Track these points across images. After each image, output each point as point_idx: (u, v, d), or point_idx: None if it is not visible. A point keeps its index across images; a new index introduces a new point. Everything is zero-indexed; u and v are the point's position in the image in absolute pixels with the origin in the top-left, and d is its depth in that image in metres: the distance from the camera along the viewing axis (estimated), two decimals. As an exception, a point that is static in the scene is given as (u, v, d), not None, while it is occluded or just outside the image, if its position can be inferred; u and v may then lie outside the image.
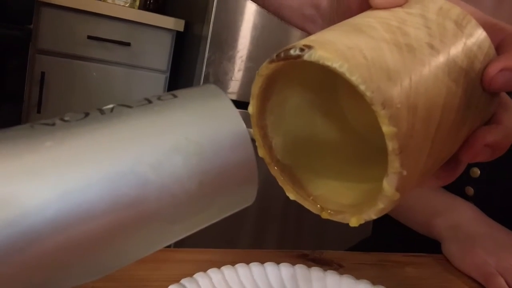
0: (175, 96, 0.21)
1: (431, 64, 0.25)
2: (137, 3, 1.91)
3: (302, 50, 0.24)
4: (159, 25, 1.81)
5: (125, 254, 0.19)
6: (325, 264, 0.51)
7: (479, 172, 0.67)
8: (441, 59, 0.26)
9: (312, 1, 0.41)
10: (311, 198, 0.30)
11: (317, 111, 0.33)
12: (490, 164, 0.65)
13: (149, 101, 0.20)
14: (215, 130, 0.20)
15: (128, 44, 1.79)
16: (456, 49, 0.27)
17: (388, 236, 0.77)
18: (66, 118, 0.19)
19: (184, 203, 0.19)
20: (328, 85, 0.33)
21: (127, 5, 1.87)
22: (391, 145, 0.23)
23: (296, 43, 0.25)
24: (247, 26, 1.69)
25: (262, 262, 0.43)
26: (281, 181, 0.30)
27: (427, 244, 0.66)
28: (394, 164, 0.24)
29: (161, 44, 1.85)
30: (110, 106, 0.20)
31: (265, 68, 0.27)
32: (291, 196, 0.30)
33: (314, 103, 0.33)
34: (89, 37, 1.74)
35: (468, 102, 0.27)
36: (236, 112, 0.21)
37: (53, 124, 0.19)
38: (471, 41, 0.28)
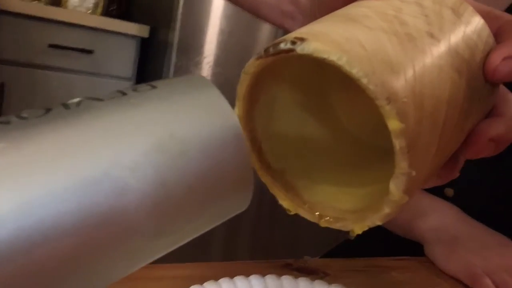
0: (154, 87, 0.18)
1: (434, 54, 0.23)
2: (99, 9, 1.85)
3: (293, 43, 0.22)
4: (123, 32, 1.76)
5: (100, 277, 0.16)
6: (311, 273, 0.48)
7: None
8: (442, 48, 0.24)
9: None
10: (307, 205, 0.27)
11: (307, 112, 0.30)
12: (470, 164, 0.64)
13: (123, 93, 0.17)
14: (203, 125, 0.17)
15: (91, 52, 1.74)
16: (456, 38, 0.25)
17: (368, 239, 0.75)
18: (23, 115, 0.16)
19: (170, 213, 0.16)
20: (317, 83, 0.31)
21: (89, 11, 1.82)
22: (398, 143, 0.21)
23: (286, 36, 0.23)
24: (214, 31, 1.66)
25: (245, 274, 0.40)
26: (273, 188, 0.27)
27: (408, 246, 0.64)
28: (401, 164, 0.21)
29: (125, 51, 1.80)
30: (76, 99, 0.17)
31: (252, 66, 0.24)
32: (285, 204, 0.27)
33: (303, 103, 0.30)
34: (50, 46, 1.68)
35: (472, 94, 0.25)
36: (226, 104, 0.18)
37: (8, 123, 0.16)
38: (470, 29, 0.26)
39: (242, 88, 0.25)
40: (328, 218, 0.26)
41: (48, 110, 0.16)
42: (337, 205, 0.27)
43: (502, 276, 0.54)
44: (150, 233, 0.16)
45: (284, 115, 0.29)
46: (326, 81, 0.31)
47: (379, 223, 0.24)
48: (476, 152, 0.26)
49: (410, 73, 0.21)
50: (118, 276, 0.16)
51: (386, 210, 0.23)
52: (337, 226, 0.26)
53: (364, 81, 0.20)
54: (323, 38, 0.21)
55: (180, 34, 1.63)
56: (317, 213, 0.27)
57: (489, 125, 0.26)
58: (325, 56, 0.21)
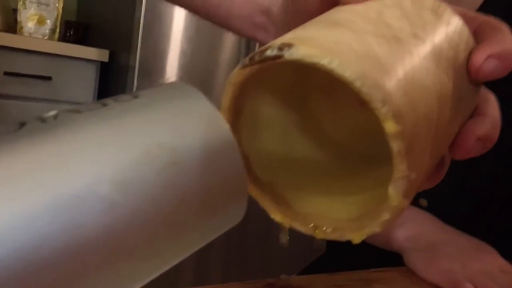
0: (136, 97, 0.16)
1: (420, 55, 0.23)
2: (56, 35, 1.82)
3: (280, 49, 0.21)
4: (82, 57, 1.72)
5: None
6: (294, 291, 0.47)
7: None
8: (428, 49, 0.24)
9: (262, 8, 0.38)
10: (300, 217, 0.26)
11: (291, 123, 0.30)
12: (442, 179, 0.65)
13: (104, 104, 0.16)
14: (193, 134, 0.16)
15: (49, 78, 1.69)
16: (440, 38, 0.25)
17: (344, 253, 0.75)
18: (-7, 132, 0.14)
19: (161, 230, 0.15)
20: (299, 94, 0.30)
21: (45, 37, 1.77)
22: (396, 145, 0.20)
23: (271, 43, 0.22)
24: (175, 53, 1.65)
25: (228, 295, 0.38)
26: (263, 202, 0.26)
27: (387, 257, 0.63)
28: (400, 167, 0.21)
29: (85, 76, 1.76)
30: (53, 112, 0.15)
31: (237, 75, 0.23)
32: (277, 218, 0.26)
33: (286, 114, 0.29)
34: (6, 73, 1.63)
35: (459, 94, 0.25)
36: (216, 112, 0.17)
37: (-24, 140, 0.14)
38: (451, 29, 0.26)
39: (226, 99, 0.24)
40: (324, 228, 0.25)
41: (22, 124, 0.15)
42: (331, 215, 0.26)
43: (482, 280, 0.54)
44: (141, 254, 0.14)
45: (268, 127, 0.28)
46: (307, 92, 0.30)
47: (378, 230, 0.23)
48: (465, 152, 0.26)
49: (400, 74, 0.21)
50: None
51: (386, 216, 0.22)
52: (333, 236, 0.25)
53: (358, 84, 0.20)
54: (311, 42, 0.21)
55: (141, 57, 1.61)
56: (311, 225, 0.26)
57: (476, 125, 0.26)
58: (315, 60, 0.20)
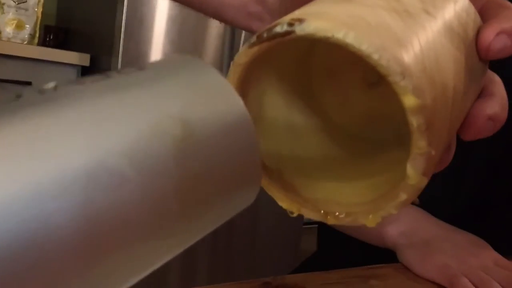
0: (141, 69, 0.15)
1: (434, 30, 0.22)
2: (36, 40, 1.78)
3: (290, 25, 0.20)
4: (62, 61, 1.69)
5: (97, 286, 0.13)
6: (291, 289, 0.45)
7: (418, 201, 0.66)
8: (440, 25, 0.23)
9: None
10: (310, 204, 0.25)
11: (295, 109, 0.29)
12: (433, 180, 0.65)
13: (107, 76, 0.15)
14: (205, 107, 0.15)
15: (29, 83, 1.66)
16: (449, 15, 0.24)
17: (336, 252, 0.74)
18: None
19: (175, 207, 0.14)
20: (303, 78, 0.29)
21: (25, 42, 1.74)
22: (416, 120, 0.19)
23: (279, 20, 0.21)
24: (157, 57, 1.63)
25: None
26: (271, 189, 0.25)
27: (379, 255, 0.63)
28: (420, 143, 0.20)
29: (66, 81, 1.73)
30: (52, 84, 0.14)
31: (244, 55, 0.22)
32: (285, 205, 0.25)
33: (291, 99, 0.28)
34: (-16, 79, 1.60)
35: (470, 71, 0.24)
36: (228, 85, 0.16)
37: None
38: (459, 6, 0.25)
39: (232, 82, 0.23)
40: (336, 214, 0.24)
41: (18, 96, 0.13)
42: (342, 200, 0.25)
43: (478, 274, 0.53)
44: (154, 231, 0.13)
45: (273, 113, 0.27)
46: (311, 77, 0.29)
47: (394, 211, 0.22)
48: (477, 131, 0.25)
49: (417, 48, 0.20)
50: (118, 284, 0.13)
51: (403, 196, 0.21)
52: (346, 221, 0.24)
53: (375, 57, 0.19)
54: (323, 16, 0.20)
55: (123, 60, 1.59)
56: (322, 211, 0.25)
57: (486, 104, 0.26)
58: (329, 34, 0.19)
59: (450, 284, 0.53)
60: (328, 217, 0.24)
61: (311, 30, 0.19)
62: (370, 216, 0.22)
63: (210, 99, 0.15)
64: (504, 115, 0.26)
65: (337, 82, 0.30)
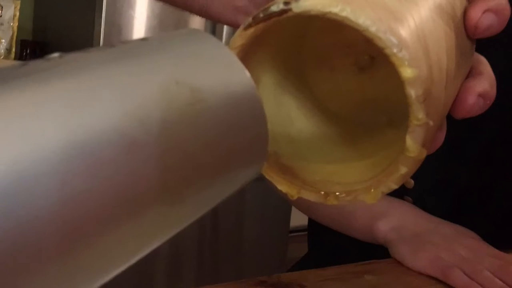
0: (145, 40, 0.15)
1: (425, 6, 0.23)
2: (12, 55, 1.76)
3: (286, 3, 0.20)
4: (41, 76, 1.67)
5: (107, 259, 0.12)
6: (287, 287, 0.45)
7: (413, 182, 0.66)
8: (430, 2, 0.24)
9: None
10: (309, 186, 0.25)
11: (289, 94, 0.29)
12: (425, 175, 0.65)
13: (112, 46, 0.14)
14: (212, 74, 0.14)
15: (6, 99, 1.63)
16: None
17: (328, 251, 0.74)
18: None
19: (185, 172, 0.13)
20: (296, 64, 0.29)
21: (1, 57, 1.72)
22: (414, 91, 0.20)
23: (274, 1, 0.21)
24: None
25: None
26: (269, 173, 0.25)
27: (371, 252, 0.63)
28: (418, 114, 0.20)
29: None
30: (56, 54, 0.14)
31: (240, 37, 0.22)
32: (284, 188, 0.25)
33: (284, 85, 0.28)
34: (-40, 96, 1.57)
35: (460, 48, 0.25)
36: (234, 56, 0.15)
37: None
38: None
39: None
40: (337, 194, 0.24)
41: (24, 64, 0.13)
42: (341, 180, 0.25)
43: (470, 264, 0.53)
44: (165, 197, 0.13)
45: (269, 98, 0.27)
46: (303, 62, 0.29)
47: (395, 186, 0.22)
48: (467, 109, 0.25)
49: (411, 22, 0.21)
50: (130, 256, 0.13)
51: (403, 169, 0.22)
52: (347, 200, 0.23)
53: (373, 29, 0.19)
54: None
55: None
56: (322, 192, 0.24)
57: (476, 82, 0.26)
58: (326, 10, 0.19)
59: (444, 276, 0.53)
60: (328, 197, 0.24)
61: (308, 6, 0.19)
62: (372, 190, 0.22)
63: (217, 67, 0.15)
64: (493, 92, 0.26)
65: (329, 68, 0.30)
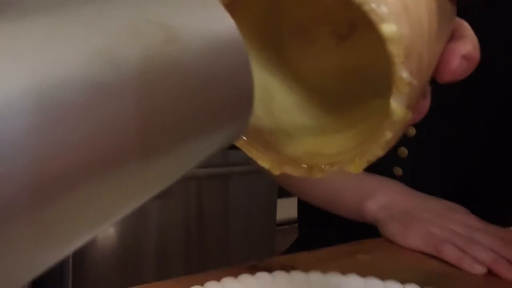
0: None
1: None
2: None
3: None
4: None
5: (81, 216, 0.11)
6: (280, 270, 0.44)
7: (407, 152, 0.66)
8: None
9: None
10: (291, 161, 0.24)
11: (267, 69, 0.28)
12: (418, 142, 0.65)
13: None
14: (188, 14, 0.13)
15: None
16: None
17: (318, 233, 0.73)
18: None
19: (164, 122, 0.12)
20: (274, 39, 0.28)
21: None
22: (396, 49, 0.19)
23: None
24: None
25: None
26: (250, 150, 0.24)
27: (362, 230, 0.62)
28: (401, 73, 0.19)
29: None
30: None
31: None
32: (266, 165, 0.24)
33: (262, 60, 0.27)
34: None
35: (441, 7, 0.24)
36: (217, 1, 0.14)
37: None
38: None
39: None
40: (321, 166, 0.23)
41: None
42: (325, 151, 0.24)
43: (461, 238, 0.53)
44: (138, 149, 0.11)
45: None
46: (281, 37, 0.28)
47: (381, 153, 0.21)
48: (452, 71, 0.25)
49: None
50: (101, 217, 0.11)
51: (388, 134, 0.21)
52: (332, 171, 0.22)
53: None
54: None
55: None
56: (303, 165, 0.23)
57: (459, 44, 0.26)
58: None
59: (436, 251, 0.53)
60: (313, 170, 0.23)
61: None
62: (356, 160, 0.21)
63: (194, 9, 0.13)
64: (477, 54, 0.26)
65: (307, 41, 0.29)
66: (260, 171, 0.24)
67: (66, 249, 0.11)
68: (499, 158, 0.66)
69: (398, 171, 0.66)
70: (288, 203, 2.01)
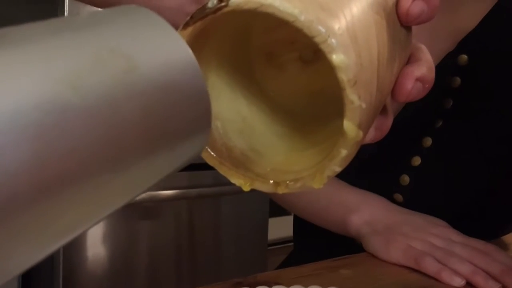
0: (79, 14, 0.15)
1: None
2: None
3: (221, 0, 0.21)
4: None
5: (47, 233, 0.12)
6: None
7: (408, 179, 0.67)
8: None
9: None
10: (260, 178, 0.26)
11: (237, 92, 0.30)
12: (420, 172, 0.66)
13: (48, 20, 0.14)
14: (149, 44, 0.15)
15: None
16: None
17: (312, 247, 0.74)
18: None
19: (127, 140, 0.13)
20: (244, 62, 0.30)
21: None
22: (345, 76, 0.21)
23: None
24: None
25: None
26: (221, 168, 0.26)
27: (354, 248, 0.63)
28: (351, 97, 0.21)
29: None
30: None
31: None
32: (237, 181, 0.26)
33: (231, 83, 0.29)
34: None
35: (394, 35, 0.26)
36: (173, 29, 0.16)
37: None
38: None
39: None
40: (287, 182, 0.24)
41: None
42: (290, 168, 0.26)
43: (442, 251, 0.54)
44: (104, 165, 0.13)
45: (219, 96, 0.28)
46: (251, 60, 0.30)
47: (339, 169, 0.23)
48: (406, 92, 0.27)
49: (339, 11, 0.22)
50: (71, 229, 0.13)
51: (344, 152, 0.23)
52: (296, 187, 0.24)
53: (301, 18, 0.20)
54: None
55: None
56: (271, 181, 0.25)
57: (413, 67, 0.27)
58: (257, 5, 0.20)
59: (416, 264, 0.54)
60: (279, 186, 0.25)
61: (240, 2, 0.20)
62: (317, 175, 0.23)
63: (153, 38, 0.15)
64: (431, 76, 0.27)
65: (276, 65, 0.31)
66: (252, 190, 0.26)
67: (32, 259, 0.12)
68: (501, 188, 0.67)
69: (399, 197, 0.67)
70: (279, 223, 2.01)
